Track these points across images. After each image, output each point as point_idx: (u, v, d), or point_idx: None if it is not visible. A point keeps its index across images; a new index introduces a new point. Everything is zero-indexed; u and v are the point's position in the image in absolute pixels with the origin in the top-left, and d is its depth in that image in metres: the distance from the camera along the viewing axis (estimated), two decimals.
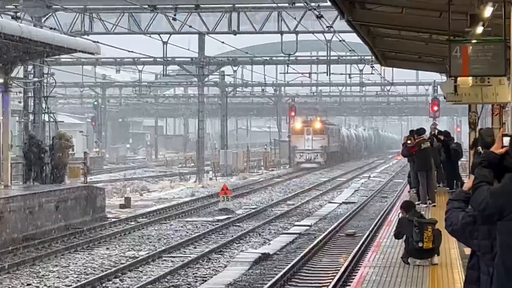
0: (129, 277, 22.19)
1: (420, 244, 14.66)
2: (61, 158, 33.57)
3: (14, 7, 35.64)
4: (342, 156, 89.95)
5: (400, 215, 15.96)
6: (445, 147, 26.46)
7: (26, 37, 29.04)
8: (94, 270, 23.25)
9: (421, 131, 24.97)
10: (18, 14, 35.90)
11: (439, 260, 14.97)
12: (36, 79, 36.60)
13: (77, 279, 21.85)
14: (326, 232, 30.32)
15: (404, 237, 15.16)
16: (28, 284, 20.85)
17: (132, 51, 47.14)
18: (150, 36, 45.28)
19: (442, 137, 28.40)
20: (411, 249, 15.11)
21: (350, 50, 50.35)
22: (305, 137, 74.89)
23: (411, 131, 25.79)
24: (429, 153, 24.27)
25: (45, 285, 21.23)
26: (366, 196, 47.85)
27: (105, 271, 22.81)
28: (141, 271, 23.13)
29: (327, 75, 63.48)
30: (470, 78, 20.86)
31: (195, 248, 27.86)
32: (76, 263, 24.19)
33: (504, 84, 21.82)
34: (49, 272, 22.93)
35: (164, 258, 25.40)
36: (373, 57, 37.32)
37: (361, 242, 26.70)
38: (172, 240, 29.60)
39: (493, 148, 6.75)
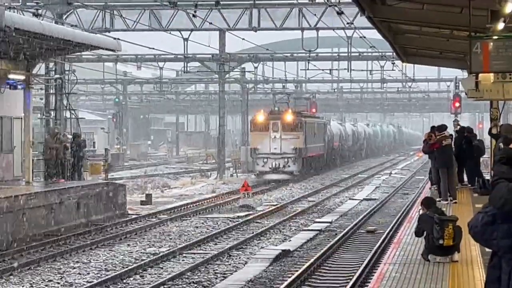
0: (149, 274, 22.20)
1: (441, 241, 14.53)
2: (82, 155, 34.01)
3: (35, 4, 35.88)
4: (331, 161, 68.29)
5: (421, 211, 15.81)
6: (468, 143, 26.38)
7: (47, 34, 29.24)
8: (114, 267, 23.28)
9: (442, 127, 24.80)
10: (40, 11, 36.09)
11: (459, 257, 14.83)
12: (57, 76, 36.96)
13: (98, 275, 21.92)
14: (346, 229, 30.38)
15: (425, 234, 15.04)
16: (50, 280, 20.97)
17: (153, 48, 47.58)
18: (170, 33, 45.57)
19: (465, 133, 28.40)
20: (431, 246, 14.94)
21: (371, 47, 50.38)
22: (270, 135, 51.97)
23: (432, 127, 25.74)
24: (450, 149, 24.10)
25: (66, 282, 21.26)
26: (387, 193, 47.71)
27: (126, 267, 22.87)
28: (162, 268, 23.19)
29: (348, 71, 63.53)
30: (492, 74, 20.80)
31: (215, 244, 28.03)
32: (97, 260, 24.30)
33: None
34: (70, 268, 23.00)
35: (184, 255, 25.50)
36: (394, 53, 37.24)
37: (381, 239, 26.70)
38: (192, 237, 29.69)
39: None
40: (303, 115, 56.27)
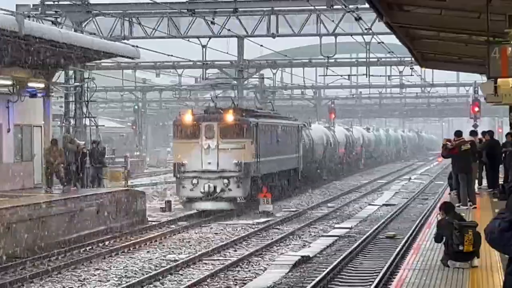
0: (169, 280, 22.28)
1: (461, 247, 14.53)
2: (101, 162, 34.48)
3: (54, 12, 36.03)
4: (311, 176, 51.63)
5: (439, 216, 15.77)
6: (490, 148, 26.36)
7: (66, 42, 29.52)
8: (135, 274, 23.35)
9: (459, 133, 24.90)
10: (59, 19, 36.25)
11: (479, 263, 14.77)
12: (76, 83, 37.25)
13: (118, 282, 21.96)
14: (366, 235, 30.18)
15: (444, 239, 14.96)
16: None
17: (171, 55, 47.47)
18: (189, 40, 45.56)
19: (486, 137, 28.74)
20: (451, 251, 14.90)
21: (389, 52, 49.98)
22: (202, 144, 34.69)
23: (457, 132, 25.76)
24: (469, 155, 23.95)
25: None
26: (407, 198, 47.18)
27: (146, 274, 22.96)
28: (182, 274, 23.29)
29: (366, 77, 63.45)
30: (510, 79, 20.82)
31: (235, 251, 27.97)
32: (117, 267, 24.34)
33: None
34: (90, 275, 23.04)
35: (204, 261, 25.52)
36: (412, 58, 37.02)
37: (401, 245, 26.45)
38: (212, 243, 29.63)
39: None
40: (255, 114, 38.49)
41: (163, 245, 29.08)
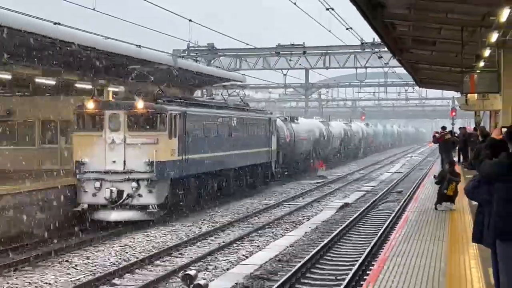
0: (263, 216, 25.75)
1: (445, 191, 16.00)
2: None
3: (195, 54, 41.76)
4: (299, 168, 43.34)
5: (446, 167, 16.99)
6: (463, 137, 29.37)
7: (202, 72, 34.23)
8: (252, 210, 26.53)
9: (444, 127, 29.09)
10: (198, 58, 41.61)
11: (455, 207, 16.18)
12: (208, 97, 38.55)
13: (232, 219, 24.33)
14: (384, 190, 33.42)
15: (439, 187, 16.35)
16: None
17: (264, 80, 54.50)
18: (275, 70, 50.00)
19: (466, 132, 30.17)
20: (439, 193, 16.37)
21: (399, 78, 57.15)
22: (106, 137, 23.68)
23: (443, 127, 29.65)
24: (449, 141, 27.90)
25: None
26: (409, 168, 51.79)
27: (253, 211, 26.56)
28: (271, 212, 26.84)
29: (385, 93, 77.72)
30: (476, 94, 22.36)
31: (303, 199, 31.43)
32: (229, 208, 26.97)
33: (497, 98, 22.78)
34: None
35: (285, 205, 29.17)
36: (413, 81, 39.51)
37: (405, 196, 29.49)
38: (290, 194, 33.04)
39: (493, 135, 7.56)
40: (177, 101, 25.70)
41: (260, 195, 32.37)
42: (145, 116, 23.11)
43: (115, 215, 22.38)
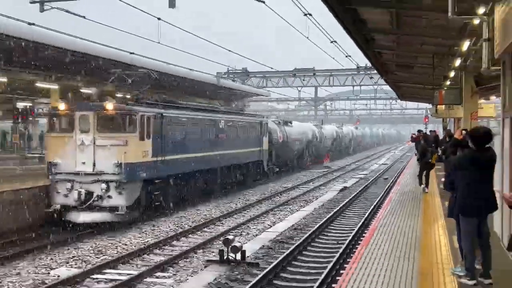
0: (281, 196, 25.38)
1: (430, 160, 16.00)
2: None
3: (233, 75, 41.15)
4: (292, 165, 39.01)
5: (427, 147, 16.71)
6: (435, 139, 26.95)
7: (239, 89, 34.97)
8: (274, 191, 26.27)
9: (420, 131, 28.30)
10: (236, 79, 41.12)
11: (428, 190, 15.95)
12: (240, 108, 37.36)
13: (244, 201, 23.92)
14: (373, 177, 33.38)
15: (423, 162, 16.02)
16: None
17: (284, 94, 54.39)
18: (292, 87, 49.92)
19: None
20: (423, 163, 16.25)
21: (385, 93, 57.38)
22: (76, 138, 18.28)
23: (419, 130, 28.91)
24: (423, 145, 24.85)
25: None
26: (393, 161, 51.65)
27: (274, 192, 26.27)
28: (288, 193, 26.55)
29: (375, 105, 78.82)
30: (443, 105, 23.02)
31: (313, 183, 31.49)
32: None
33: (459, 108, 22.72)
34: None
35: (299, 188, 29.23)
36: (397, 96, 37.79)
37: (390, 182, 29.60)
38: (303, 180, 33.02)
39: (456, 136, 7.90)
40: (152, 103, 20.34)
41: (281, 180, 31.75)
42: (114, 117, 18.04)
43: (83, 217, 17.57)
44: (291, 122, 38.87)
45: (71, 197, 17.76)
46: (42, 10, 11.92)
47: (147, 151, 18.48)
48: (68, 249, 15.09)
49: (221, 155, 24.84)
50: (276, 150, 32.91)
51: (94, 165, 17.70)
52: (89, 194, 17.65)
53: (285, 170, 36.14)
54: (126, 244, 15.52)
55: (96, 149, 17.75)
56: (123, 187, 17.56)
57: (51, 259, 14.03)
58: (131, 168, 17.71)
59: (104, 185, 17.57)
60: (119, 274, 12.60)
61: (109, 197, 17.59)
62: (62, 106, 18.40)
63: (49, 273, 12.63)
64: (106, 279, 12.23)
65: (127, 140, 17.70)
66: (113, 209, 17.58)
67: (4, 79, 23.94)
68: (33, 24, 15.49)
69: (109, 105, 17.88)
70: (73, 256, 14.21)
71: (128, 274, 12.39)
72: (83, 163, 17.78)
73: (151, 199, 19.01)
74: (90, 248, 15.04)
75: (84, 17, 14.09)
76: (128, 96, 21.29)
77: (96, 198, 17.60)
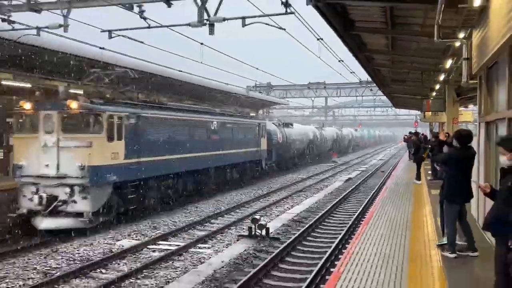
0: (296, 186, 24.57)
1: (423, 155, 15.36)
2: None
3: (259, 88, 41.12)
4: (292, 162, 34.66)
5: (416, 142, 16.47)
6: (425, 139, 26.73)
7: (265, 99, 34.27)
8: (278, 184, 24.90)
9: (412, 132, 26.95)
10: (260, 90, 40.94)
11: (419, 182, 15.50)
12: (262, 115, 38.87)
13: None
14: (372, 170, 32.60)
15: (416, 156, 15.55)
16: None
17: (300, 104, 53.11)
18: (307, 98, 48.25)
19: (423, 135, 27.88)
20: (417, 157, 15.73)
21: (383, 102, 54.64)
22: (40, 139, 13.44)
23: (410, 132, 28.38)
24: (413, 141, 24.20)
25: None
26: (388, 157, 50.26)
27: (292, 181, 25.90)
28: (301, 183, 25.72)
29: (373, 111, 73.87)
30: (430, 112, 21.64)
31: (323, 174, 30.87)
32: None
33: (443, 114, 21.40)
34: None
35: (311, 178, 28.54)
36: (392, 104, 37.10)
37: (386, 174, 28.91)
38: (315, 171, 32.54)
39: (440, 137, 8.10)
40: (126, 103, 15.26)
41: (300, 172, 31.18)
42: (79, 117, 13.61)
43: (46, 223, 13.26)
44: (292, 124, 35.10)
45: (35, 200, 13.43)
46: (110, 37, 12.14)
47: (118, 153, 14.03)
48: (130, 225, 14.71)
49: (215, 155, 20.45)
50: (276, 149, 29.60)
51: (58, 168, 13.44)
52: (54, 198, 13.37)
53: (287, 168, 32.93)
54: (175, 221, 15.45)
55: (60, 151, 13.45)
56: (88, 191, 13.34)
57: (117, 232, 13.83)
58: (97, 171, 13.44)
59: (68, 189, 13.36)
60: (169, 245, 12.58)
61: (74, 202, 13.38)
62: (27, 105, 13.90)
63: (115, 244, 12.63)
64: (160, 249, 12.21)
65: (92, 141, 13.43)
66: (79, 214, 13.36)
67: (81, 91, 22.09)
68: (103, 48, 15.26)
69: (73, 104, 13.41)
70: (134, 231, 14.02)
71: (177, 245, 12.41)
72: (47, 165, 13.50)
73: (126, 203, 14.67)
74: (147, 224, 14.90)
75: (142, 42, 14.18)
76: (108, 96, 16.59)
77: (60, 203, 13.32)
